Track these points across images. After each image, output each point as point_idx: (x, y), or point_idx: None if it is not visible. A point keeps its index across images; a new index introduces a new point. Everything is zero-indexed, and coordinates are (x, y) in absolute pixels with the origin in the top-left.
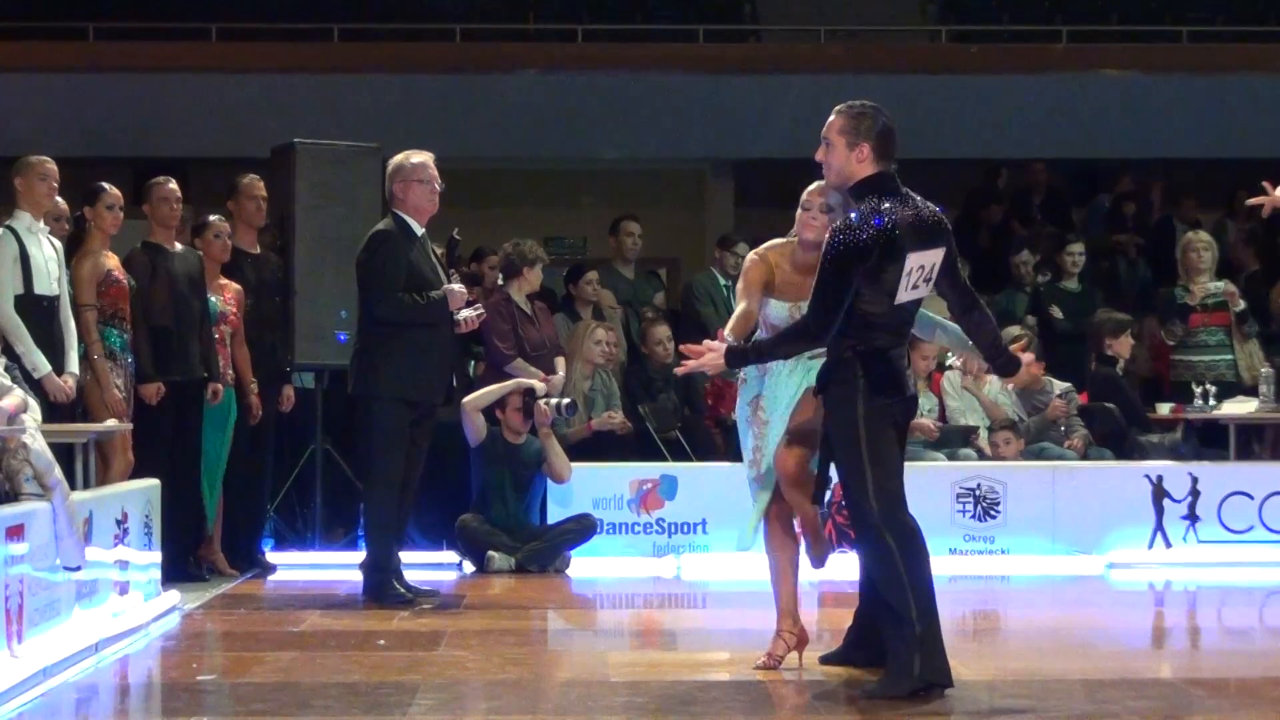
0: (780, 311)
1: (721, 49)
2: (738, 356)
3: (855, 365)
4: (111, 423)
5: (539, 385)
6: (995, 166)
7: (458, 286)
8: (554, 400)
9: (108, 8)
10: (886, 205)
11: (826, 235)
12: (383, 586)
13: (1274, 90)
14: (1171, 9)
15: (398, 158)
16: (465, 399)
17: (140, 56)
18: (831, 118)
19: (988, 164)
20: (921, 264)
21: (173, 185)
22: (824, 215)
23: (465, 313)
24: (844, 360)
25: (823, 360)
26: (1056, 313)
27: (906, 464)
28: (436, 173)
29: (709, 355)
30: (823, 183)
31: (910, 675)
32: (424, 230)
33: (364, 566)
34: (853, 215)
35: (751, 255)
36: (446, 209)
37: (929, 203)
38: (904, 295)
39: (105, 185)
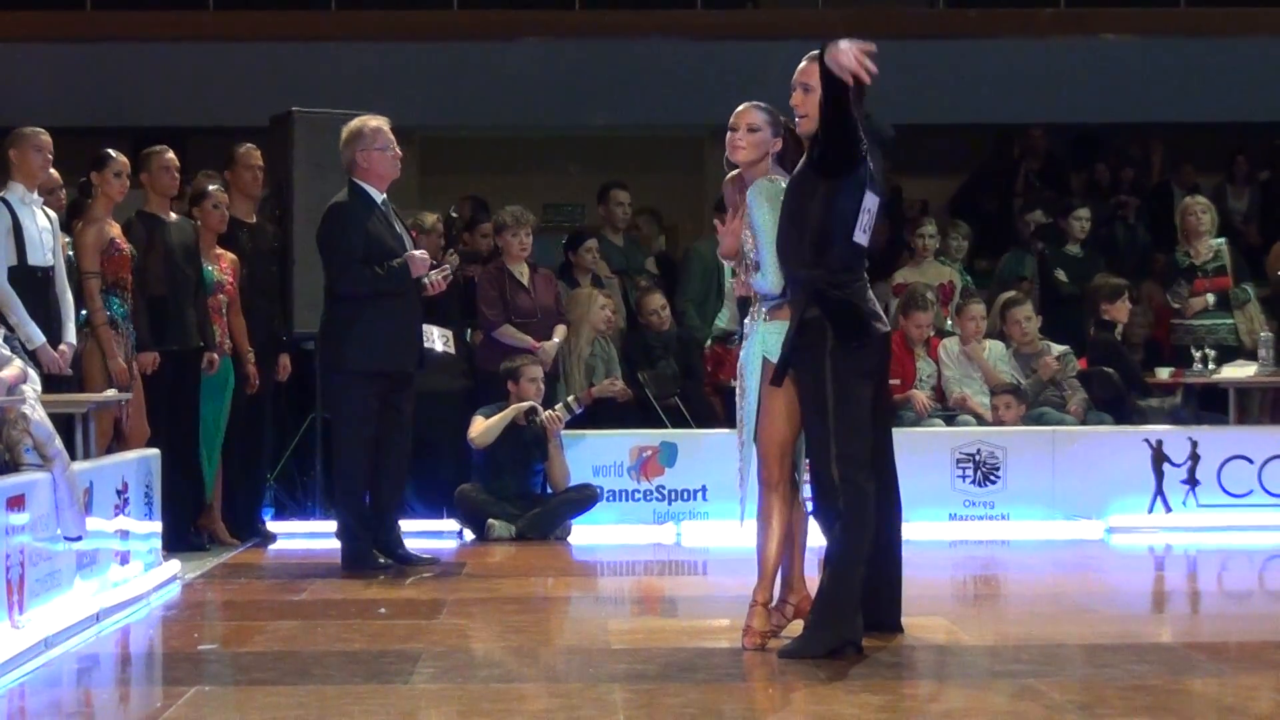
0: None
1: (720, 15)
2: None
3: (822, 325)
4: (111, 392)
5: (538, 405)
6: (1007, 136)
7: (419, 252)
8: (558, 405)
9: None
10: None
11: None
12: (359, 554)
13: (1273, 53)
14: None
15: (353, 124)
16: (473, 435)
17: (137, 26)
18: (810, 64)
19: (986, 129)
20: (869, 208)
21: (171, 154)
22: (751, 135)
23: (432, 275)
24: (808, 323)
25: (780, 324)
26: (1061, 276)
27: (906, 430)
28: (393, 138)
29: None
30: (749, 105)
31: (826, 636)
32: (384, 196)
33: (339, 535)
34: None
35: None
36: (445, 177)
37: None
38: (858, 235)
39: (112, 152)
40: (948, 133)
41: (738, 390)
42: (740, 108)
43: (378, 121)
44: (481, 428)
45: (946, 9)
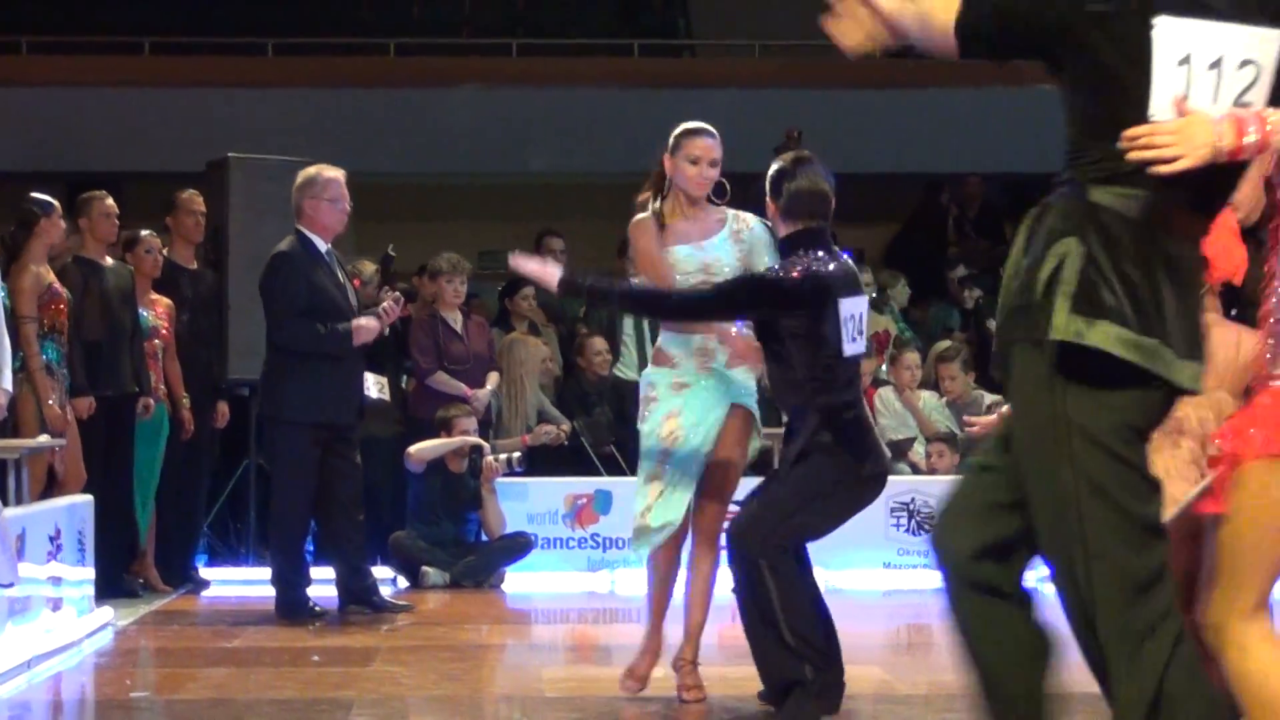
0: (689, 256)
1: (657, 64)
2: (569, 286)
3: (834, 450)
4: (44, 438)
5: (485, 444)
6: (937, 184)
7: (365, 321)
8: (503, 455)
9: (40, 23)
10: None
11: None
12: (293, 602)
13: None
14: None
15: (309, 171)
16: (411, 449)
17: (73, 71)
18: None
19: (924, 179)
20: (854, 313)
21: (110, 201)
22: (712, 170)
23: (385, 304)
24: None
25: (745, 379)
26: (994, 326)
27: None
28: (346, 191)
29: (544, 271)
30: (709, 137)
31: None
32: (329, 246)
33: (273, 582)
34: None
35: (637, 219)
36: (381, 224)
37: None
38: (848, 347)
39: (49, 199)
40: (884, 182)
41: (665, 440)
42: (701, 139)
43: (333, 172)
44: (421, 445)
45: (883, 58)
